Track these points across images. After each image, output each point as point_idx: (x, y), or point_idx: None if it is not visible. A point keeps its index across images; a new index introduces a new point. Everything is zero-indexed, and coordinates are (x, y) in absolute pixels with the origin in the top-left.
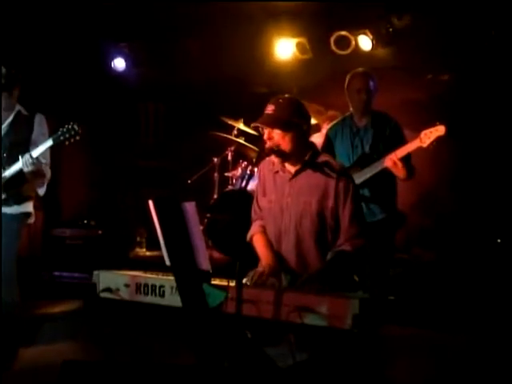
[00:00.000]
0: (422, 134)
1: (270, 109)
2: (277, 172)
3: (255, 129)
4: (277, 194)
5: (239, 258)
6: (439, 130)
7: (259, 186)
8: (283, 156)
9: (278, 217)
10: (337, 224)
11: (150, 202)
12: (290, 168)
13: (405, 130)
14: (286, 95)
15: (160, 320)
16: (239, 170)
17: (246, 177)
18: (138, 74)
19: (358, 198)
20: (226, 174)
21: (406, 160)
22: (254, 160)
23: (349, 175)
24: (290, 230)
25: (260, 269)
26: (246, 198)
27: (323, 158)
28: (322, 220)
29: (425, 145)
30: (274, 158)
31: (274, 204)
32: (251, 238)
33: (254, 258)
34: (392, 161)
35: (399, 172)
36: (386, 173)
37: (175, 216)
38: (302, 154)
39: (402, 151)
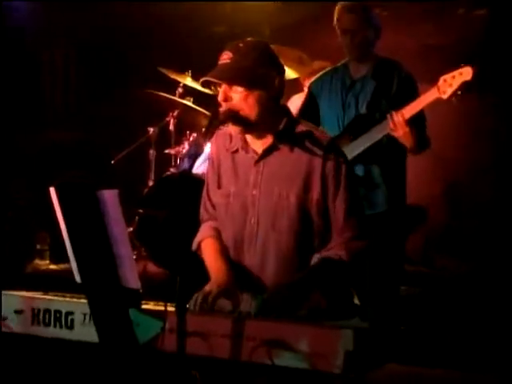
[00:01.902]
0: (441, 80)
1: (225, 57)
2: (236, 151)
3: (206, 85)
4: (237, 183)
5: (182, 272)
6: (464, 74)
7: (211, 172)
8: (245, 124)
9: (239, 217)
10: (326, 223)
11: (52, 190)
12: (256, 145)
13: (421, 85)
14: (249, 38)
15: (67, 362)
16: (185, 146)
17: (196, 155)
18: (37, 9)
19: (355, 183)
20: (167, 152)
21: (418, 123)
22: (204, 131)
23: (340, 151)
24: (257, 236)
25: (206, 287)
26: (195, 185)
27: (303, 127)
28: (306, 218)
29: (445, 95)
30: (231, 129)
31: (234, 198)
32: (199, 245)
33: (203, 273)
34: (396, 123)
35: (405, 140)
36: (392, 143)
37: (89, 211)
38: (273, 123)
39: (411, 108)
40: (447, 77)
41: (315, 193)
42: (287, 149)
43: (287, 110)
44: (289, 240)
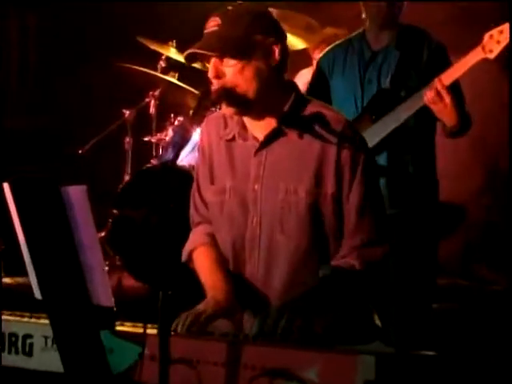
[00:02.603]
0: (486, 36)
1: (212, 24)
2: (232, 139)
3: (193, 59)
4: (234, 177)
5: (165, 286)
6: None
7: (202, 164)
8: (242, 104)
9: (237, 218)
10: (341, 223)
11: (6, 187)
12: (257, 130)
13: (453, 58)
14: (240, 2)
15: None
16: (169, 132)
17: (182, 144)
18: None
19: (374, 175)
20: (147, 139)
21: (456, 95)
22: (191, 114)
23: (359, 136)
24: (260, 240)
25: (200, 306)
26: (181, 180)
27: (313, 107)
28: (319, 218)
29: (492, 55)
30: (226, 112)
31: (231, 195)
32: (190, 255)
33: (195, 289)
34: (435, 91)
35: (446, 112)
36: (417, 123)
37: (51, 212)
38: (277, 103)
39: (451, 73)
40: (494, 32)
41: (329, 187)
42: (295, 134)
43: (294, 86)
44: (299, 245)
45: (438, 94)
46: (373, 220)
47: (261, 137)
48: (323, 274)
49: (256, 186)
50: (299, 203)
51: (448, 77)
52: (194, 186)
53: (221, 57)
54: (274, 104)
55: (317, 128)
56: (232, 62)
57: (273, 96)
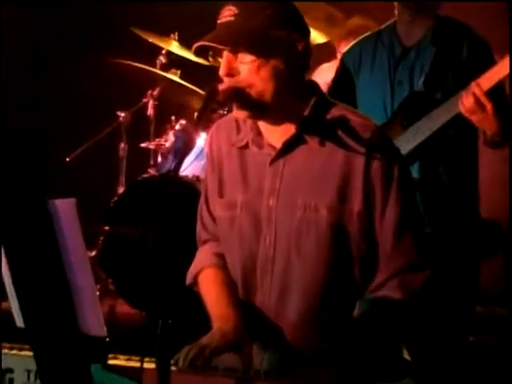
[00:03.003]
0: None
1: (228, 13)
2: (245, 146)
3: (201, 54)
4: (247, 190)
5: (165, 314)
6: None
7: (210, 175)
8: (256, 108)
9: (249, 236)
10: (372, 246)
11: None
12: (274, 137)
13: (497, 55)
14: None
15: None
16: (170, 137)
17: (184, 150)
18: None
19: (412, 191)
20: (144, 146)
21: (500, 100)
22: (196, 116)
23: (391, 145)
24: (274, 263)
25: (205, 338)
26: (183, 192)
27: (338, 111)
28: (342, 240)
29: None
30: (237, 114)
31: (242, 211)
32: (195, 277)
33: (201, 317)
34: (473, 98)
35: (486, 122)
36: (457, 132)
37: (36, 228)
38: (297, 107)
39: (491, 76)
40: None
41: (356, 204)
42: (316, 142)
43: (315, 87)
44: (318, 269)
45: (477, 101)
46: (412, 242)
47: (278, 144)
48: (363, 309)
49: (271, 201)
50: (320, 222)
51: (488, 80)
52: (202, 198)
53: (235, 51)
54: (292, 108)
55: (342, 135)
56: (248, 58)
57: (292, 98)
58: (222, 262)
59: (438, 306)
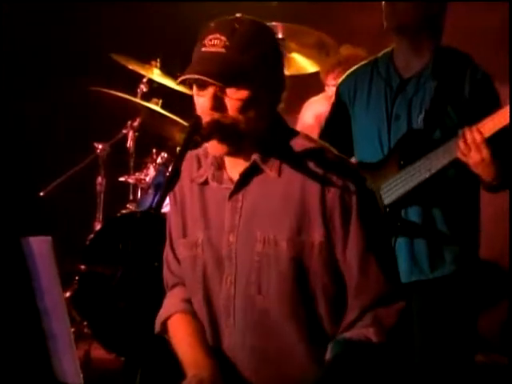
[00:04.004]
0: None
1: (217, 42)
2: (206, 182)
3: (184, 83)
4: (208, 228)
5: (144, 359)
6: None
7: (174, 214)
8: (234, 143)
9: (212, 276)
10: (338, 281)
11: None
12: (234, 170)
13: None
14: (239, 15)
15: None
16: (151, 171)
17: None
18: None
19: (376, 219)
20: (123, 179)
21: (501, 144)
22: (178, 150)
23: (350, 172)
24: (235, 304)
25: None
26: (161, 229)
27: (297, 140)
28: (304, 274)
29: None
30: (214, 149)
31: (204, 250)
32: (165, 324)
33: (173, 363)
34: (473, 143)
35: (481, 167)
36: (458, 173)
37: (9, 268)
38: (262, 138)
39: (493, 122)
40: None
41: (316, 236)
42: (274, 172)
43: (280, 118)
44: (281, 309)
45: (474, 146)
46: (380, 273)
47: (236, 177)
48: (335, 352)
49: (231, 238)
50: (280, 256)
51: (489, 126)
52: (167, 242)
53: (225, 87)
54: (258, 138)
55: (302, 165)
56: (238, 94)
57: (262, 132)
58: (190, 307)
59: (436, 352)
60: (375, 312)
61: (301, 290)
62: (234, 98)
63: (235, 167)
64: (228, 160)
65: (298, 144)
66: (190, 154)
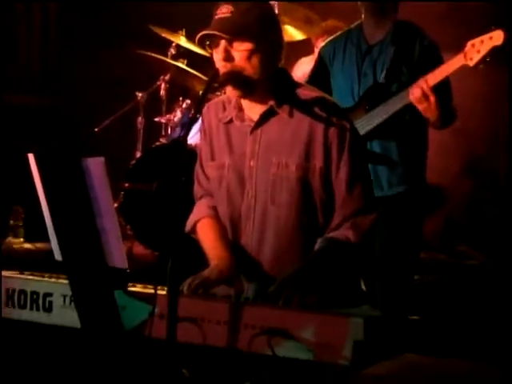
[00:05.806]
0: (468, 45)
1: (225, 10)
2: (230, 121)
3: (202, 45)
4: (232, 155)
5: (173, 253)
6: (495, 39)
7: (204, 144)
8: (246, 87)
9: (235, 191)
10: (330, 196)
11: (31, 157)
12: (253, 111)
13: (445, 54)
14: None
15: (44, 349)
16: (178, 113)
17: (190, 124)
18: None
19: (361, 151)
20: (157, 120)
21: (443, 93)
22: (201, 94)
23: (345, 116)
24: (255, 211)
25: (205, 272)
26: (188, 156)
27: (303, 90)
28: (308, 190)
29: (472, 63)
30: (226, 96)
31: (229, 171)
32: (194, 226)
33: (198, 256)
34: (420, 90)
35: (429, 111)
36: (412, 117)
37: (72, 181)
38: (273, 87)
39: (435, 75)
40: (475, 41)
41: (318, 161)
42: (286, 114)
43: (286, 73)
44: (289, 215)
45: (423, 93)
46: (361, 192)
47: (256, 117)
48: (322, 245)
49: (252, 163)
50: (290, 176)
51: (433, 77)
52: (198, 163)
53: (232, 40)
54: (269, 88)
55: (307, 108)
56: (242, 46)
57: (270, 81)
58: (215, 212)
59: (390, 250)
60: (355, 219)
61: (304, 202)
62: (240, 49)
63: (252, 109)
64: (245, 104)
65: (303, 93)
66: (217, 100)
